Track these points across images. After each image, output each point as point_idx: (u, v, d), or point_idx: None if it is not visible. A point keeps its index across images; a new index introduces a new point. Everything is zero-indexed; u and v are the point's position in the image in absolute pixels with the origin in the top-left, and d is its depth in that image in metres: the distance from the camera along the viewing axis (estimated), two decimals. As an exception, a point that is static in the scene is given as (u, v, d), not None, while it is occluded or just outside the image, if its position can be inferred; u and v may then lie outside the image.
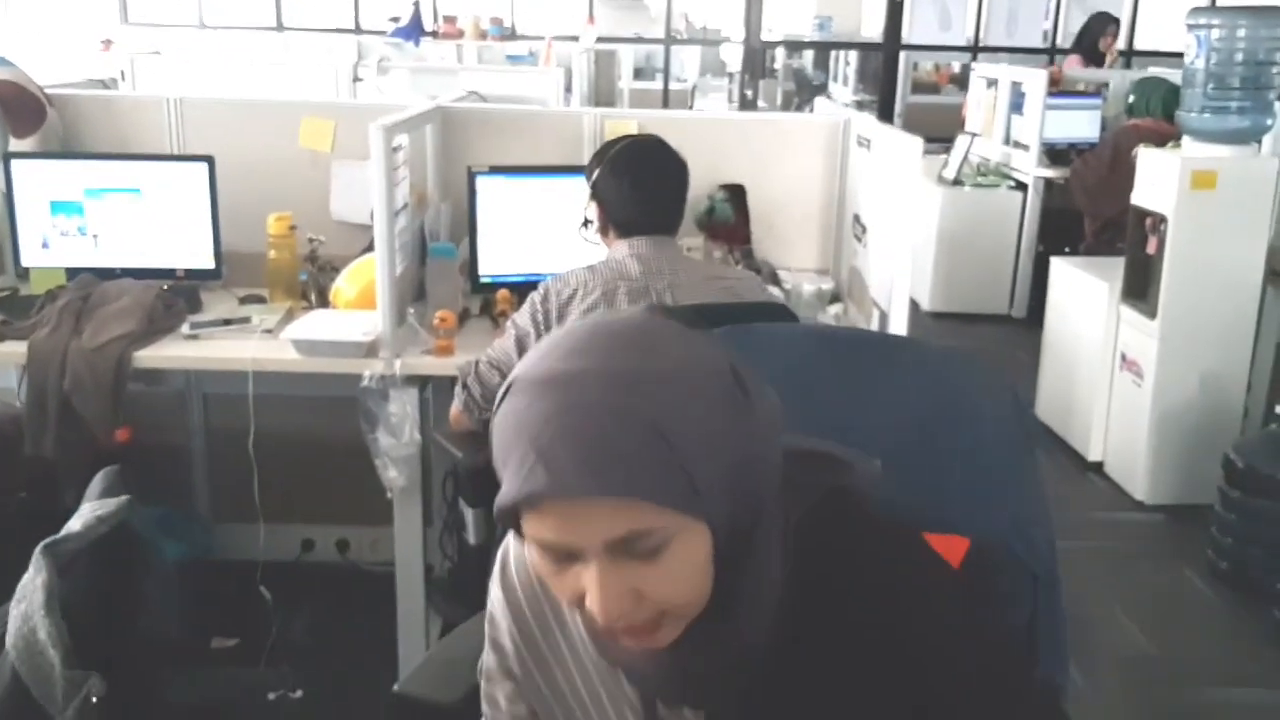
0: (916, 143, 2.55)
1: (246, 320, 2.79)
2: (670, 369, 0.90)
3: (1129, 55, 8.13)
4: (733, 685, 1.00)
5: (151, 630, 1.64)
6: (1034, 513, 1.23)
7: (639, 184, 2.31)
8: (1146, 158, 4.04)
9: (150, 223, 2.96)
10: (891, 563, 1.02)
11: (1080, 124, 6.28)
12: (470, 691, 1.31)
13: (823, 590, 0.98)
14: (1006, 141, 6.49)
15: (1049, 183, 6.12)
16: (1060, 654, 1.26)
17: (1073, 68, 6.93)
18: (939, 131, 6.33)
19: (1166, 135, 4.89)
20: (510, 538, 1.13)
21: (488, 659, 1.17)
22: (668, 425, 0.87)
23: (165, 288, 2.85)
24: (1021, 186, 6.23)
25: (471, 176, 2.90)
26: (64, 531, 1.50)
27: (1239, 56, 3.81)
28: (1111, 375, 4.22)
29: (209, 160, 2.95)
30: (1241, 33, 3.80)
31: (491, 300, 2.90)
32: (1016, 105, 6.40)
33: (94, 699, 1.37)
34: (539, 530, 0.91)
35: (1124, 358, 4.14)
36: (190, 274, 2.99)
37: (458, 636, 1.50)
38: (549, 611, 1.11)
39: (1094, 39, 7.09)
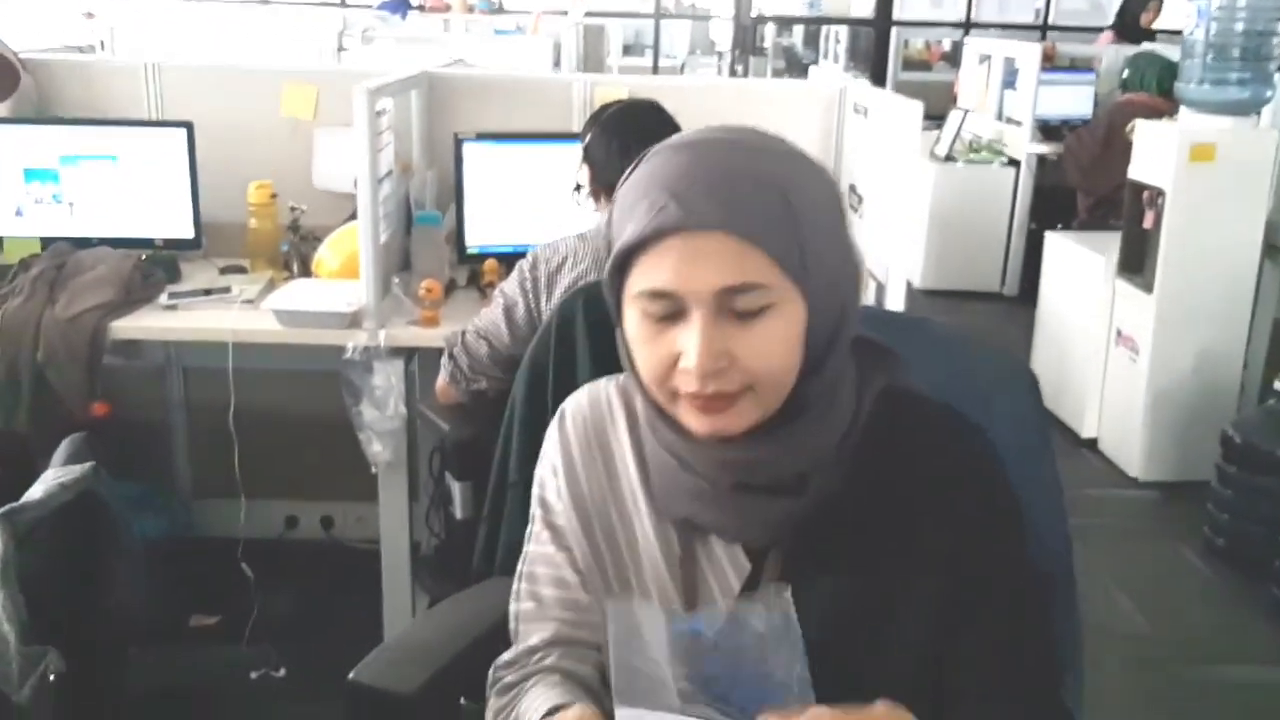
0: (916, 107, 2.49)
1: (226, 290, 2.71)
2: (797, 153, 1.01)
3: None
4: (785, 518, 1.02)
5: (118, 606, 1.57)
6: (1048, 515, 1.21)
7: (629, 148, 2.24)
8: (1145, 131, 3.98)
9: (127, 191, 2.88)
10: (960, 442, 1.06)
11: (1074, 100, 6.23)
12: (429, 681, 1.26)
13: (889, 453, 1.04)
14: (999, 118, 6.43)
15: (1042, 159, 6.06)
16: (1076, 655, 1.23)
17: (1105, 45, 6.85)
18: (931, 109, 6.20)
19: (1161, 111, 4.84)
20: (567, 403, 1.17)
21: (535, 520, 1.17)
22: (792, 195, 0.95)
23: (143, 257, 2.78)
24: (1014, 163, 6.17)
25: (458, 143, 2.82)
26: (24, 499, 1.43)
27: (1239, 26, 3.75)
28: (1106, 351, 4.17)
29: (187, 126, 2.86)
30: (1242, 1, 3.74)
31: (479, 271, 2.83)
32: (1009, 81, 6.33)
33: (52, 677, 1.31)
34: (654, 274, 0.94)
35: (1119, 333, 4.09)
36: (169, 244, 2.91)
37: (423, 622, 1.44)
38: (600, 463, 1.13)
39: (1135, 13, 6.94)
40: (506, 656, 1.13)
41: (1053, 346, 4.53)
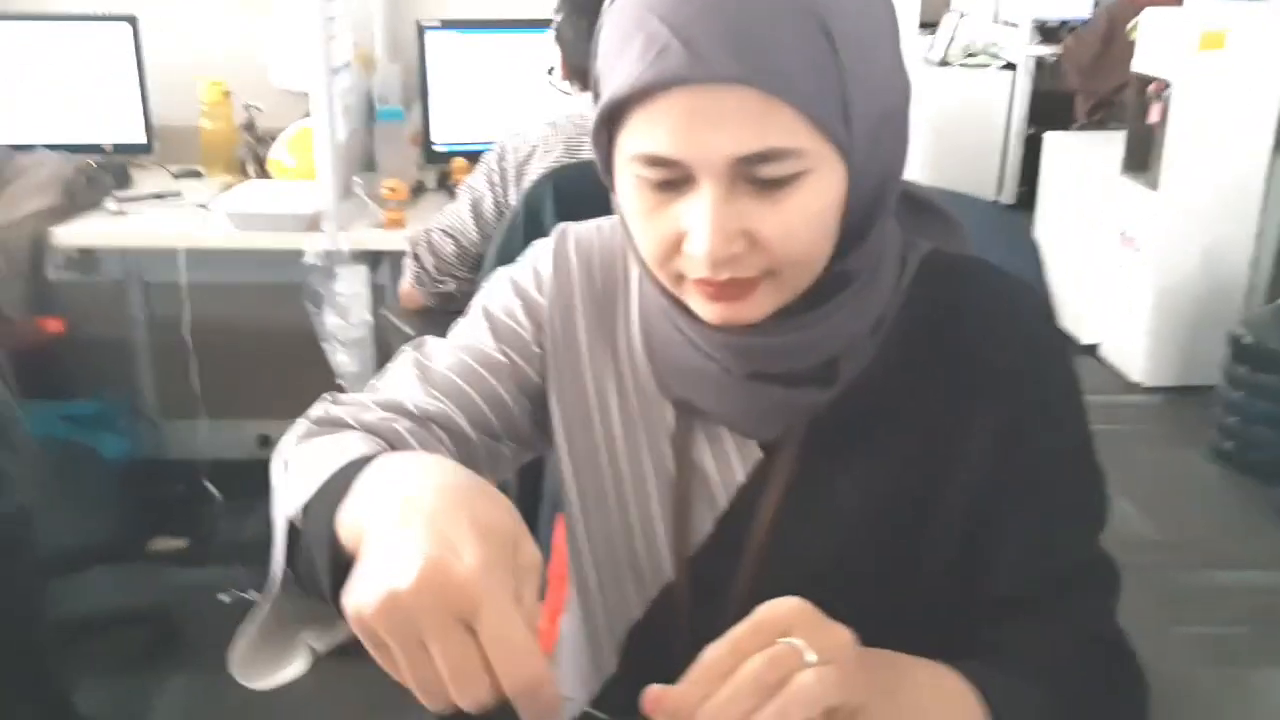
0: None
1: (178, 195, 2.55)
2: None
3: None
4: (808, 409, 0.84)
5: (13, 520, 1.43)
6: None
7: (602, 26, 2.06)
8: (1151, 19, 3.79)
9: (70, 92, 2.70)
10: (1022, 317, 0.87)
11: (1072, -1, 6.02)
12: None
13: (935, 330, 0.86)
14: (996, 20, 6.21)
15: (1040, 62, 5.87)
16: None
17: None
18: (924, 15, 6.06)
19: (1163, 6, 4.64)
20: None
21: (479, 314, 0.95)
22: (835, 24, 0.72)
23: (91, 164, 2.61)
24: (1011, 66, 5.97)
25: (421, 32, 2.63)
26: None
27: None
28: (1109, 253, 4.02)
29: (131, 20, 2.67)
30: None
31: (447, 171, 2.67)
32: (1007, -21, 6.12)
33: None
34: (651, 136, 0.74)
35: (1123, 234, 3.94)
36: (118, 149, 2.74)
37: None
38: (600, 303, 0.93)
39: None
40: (346, 397, 0.91)
41: (1053, 252, 4.37)
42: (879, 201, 0.80)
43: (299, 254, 2.36)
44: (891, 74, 0.78)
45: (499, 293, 0.95)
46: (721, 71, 0.70)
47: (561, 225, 0.97)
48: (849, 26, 0.73)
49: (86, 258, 2.99)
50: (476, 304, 0.96)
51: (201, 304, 2.57)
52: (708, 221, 0.73)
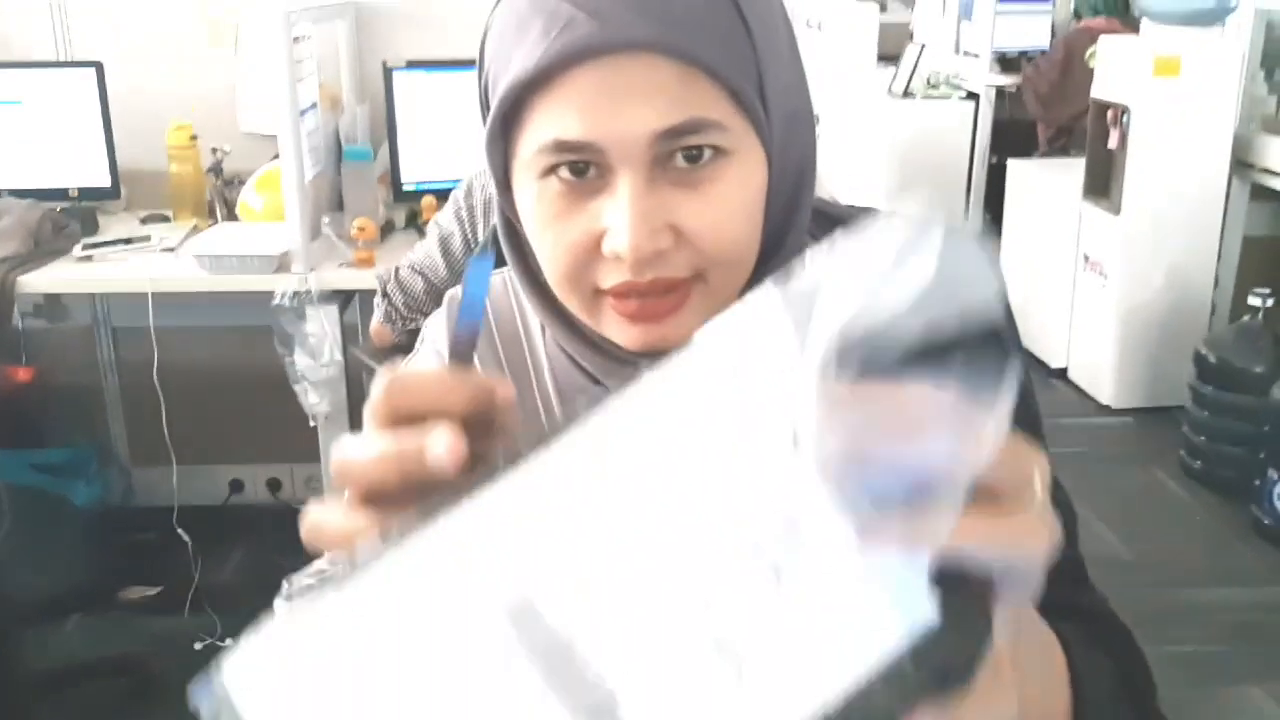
0: (872, 10, 2.34)
1: (146, 240, 2.54)
2: None
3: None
4: None
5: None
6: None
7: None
8: (1108, 47, 3.86)
9: (36, 138, 2.69)
10: None
11: (1031, 30, 6.11)
12: None
13: None
14: (956, 51, 6.30)
15: (1001, 91, 5.94)
16: None
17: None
18: (885, 48, 6.14)
19: (1120, 34, 4.73)
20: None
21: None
22: (745, 3, 0.70)
23: (58, 210, 2.60)
24: (973, 96, 6.05)
25: (388, 73, 2.65)
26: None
27: (1200, -68, 3.64)
28: (1074, 278, 4.07)
29: (97, 66, 2.67)
30: (1203, -94, 3.62)
31: (417, 209, 2.68)
32: (966, 12, 6.20)
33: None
34: (560, 119, 0.67)
35: (1087, 258, 3.99)
36: (84, 193, 2.73)
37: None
38: (521, 329, 0.85)
39: None
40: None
41: (1019, 278, 4.42)
42: (797, 202, 0.77)
43: (268, 295, 2.35)
44: (797, 70, 0.76)
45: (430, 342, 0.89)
46: (635, 37, 0.65)
47: (448, 295, 0.90)
48: (759, 9, 0.71)
49: (54, 304, 2.98)
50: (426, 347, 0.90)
51: (170, 349, 2.55)
52: (628, 213, 0.67)
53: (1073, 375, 4.14)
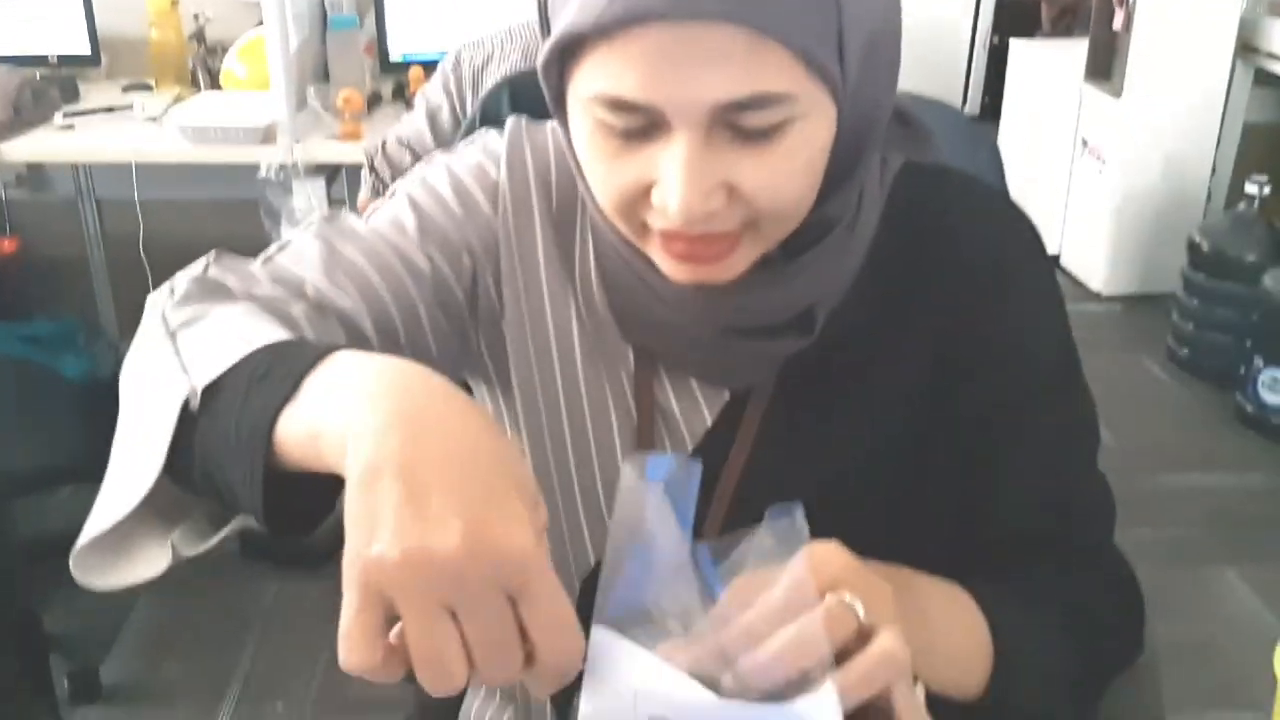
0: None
1: (128, 108, 2.49)
2: None
3: None
4: (773, 357, 0.78)
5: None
6: None
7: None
8: (1115, -78, 3.74)
9: (13, 1, 2.61)
10: (1006, 230, 0.81)
11: (1038, -97, 5.92)
12: (333, 522, 1.12)
13: (913, 249, 0.79)
14: (961, -76, 6.11)
15: (1005, -32, 5.79)
16: None
17: None
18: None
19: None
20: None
21: (400, 211, 0.80)
22: None
23: (37, 76, 2.54)
24: (977, -27, 5.89)
25: (374, -63, 2.57)
26: None
27: None
28: (1071, 163, 4.02)
29: (72, -75, 2.59)
30: None
31: (404, 81, 2.62)
32: (972, -117, 6.00)
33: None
34: (620, 77, 0.63)
35: (1085, 142, 3.94)
36: (64, 60, 2.67)
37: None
38: (559, 224, 0.82)
39: None
40: (234, 261, 0.77)
41: (1017, 162, 4.36)
42: (868, 136, 0.72)
43: (254, 169, 2.32)
44: (889, 3, 0.70)
45: (435, 183, 0.82)
46: (707, 8, 0.60)
47: (516, 121, 0.84)
48: None
49: (36, 174, 2.94)
50: (404, 188, 0.82)
51: (156, 221, 2.53)
52: (682, 173, 0.64)
53: (1065, 261, 4.12)
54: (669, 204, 0.65)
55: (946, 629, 0.71)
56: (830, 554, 0.58)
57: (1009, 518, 0.80)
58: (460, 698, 1.03)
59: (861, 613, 0.57)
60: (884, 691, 0.55)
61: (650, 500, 0.55)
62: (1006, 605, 0.74)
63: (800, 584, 0.55)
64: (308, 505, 0.58)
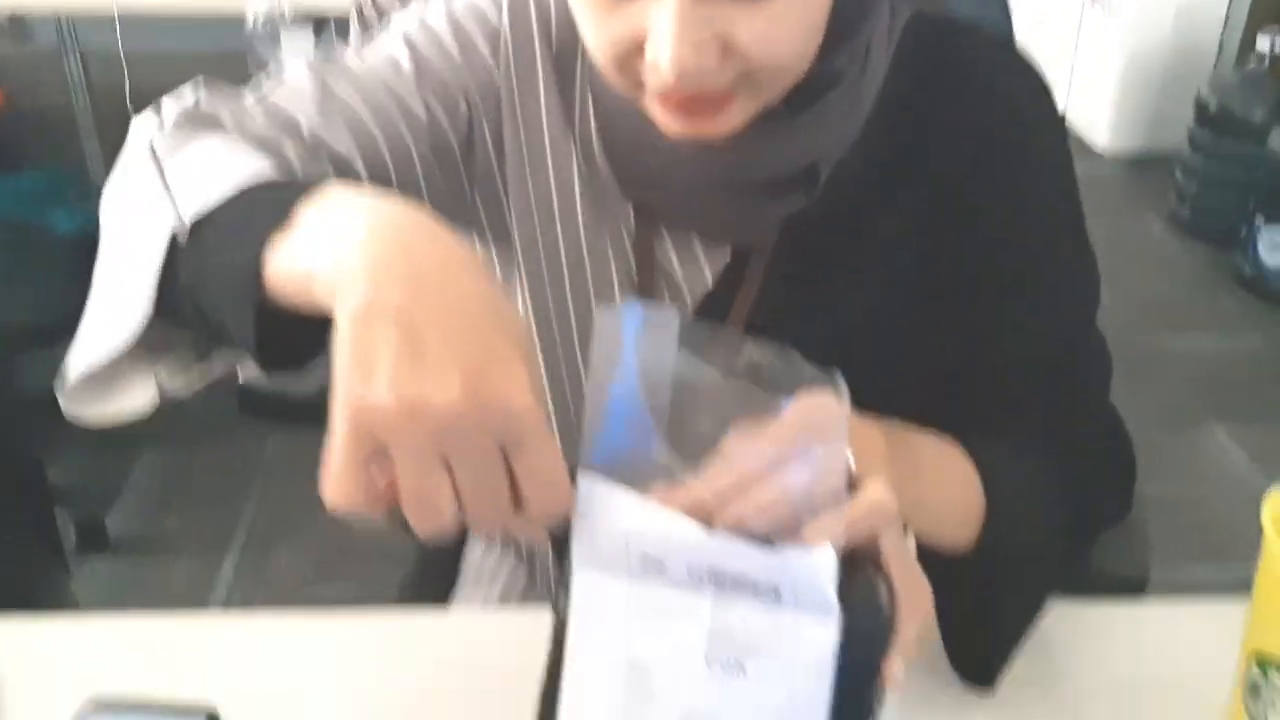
0: None
1: (109, -47, 2.40)
2: None
3: None
4: (777, 215, 0.76)
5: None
6: None
7: None
8: None
9: None
10: (1014, 83, 0.79)
11: None
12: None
13: (920, 104, 0.77)
14: None
15: None
16: None
17: None
18: None
19: None
20: None
21: (396, 52, 0.78)
22: None
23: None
24: None
25: None
26: None
27: None
28: (1080, 14, 3.92)
29: None
30: None
31: (394, -74, 2.52)
32: None
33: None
34: None
35: (1096, -7, 3.83)
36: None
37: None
38: (560, 71, 0.80)
39: None
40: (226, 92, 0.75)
41: (1023, 15, 4.26)
42: None
43: (240, 21, 2.25)
44: None
45: (433, 25, 0.79)
46: None
47: None
48: None
49: (17, 25, 2.85)
50: (402, 27, 0.80)
51: (142, 74, 2.46)
52: (673, 27, 0.62)
53: (1071, 117, 4.05)
54: (660, 60, 0.64)
55: (939, 481, 0.73)
56: (822, 404, 0.57)
57: (1008, 374, 0.80)
58: (461, 548, 1.05)
59: (852, 462, 0.57)
60: (872, 538, 0.55)
61: (627, 349, 0.55)
62: (999, 460, 0.75)
63: (791, 433, 0.55)
64: (300, 342, 0.57)
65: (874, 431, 0.61)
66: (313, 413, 1.23)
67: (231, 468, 2.50)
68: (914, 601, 0.56)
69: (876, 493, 0.56)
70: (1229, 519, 2.31)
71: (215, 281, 0.57)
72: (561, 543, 0.55)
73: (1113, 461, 0.85)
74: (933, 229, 0.77)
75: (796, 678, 0.51)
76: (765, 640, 0.51)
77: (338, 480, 0.49)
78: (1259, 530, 0.64)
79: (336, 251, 0.52)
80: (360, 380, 0.49)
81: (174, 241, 0.59)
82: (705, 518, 0.53)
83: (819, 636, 0.51)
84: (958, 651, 0.77)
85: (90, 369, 0.60)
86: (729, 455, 0.56)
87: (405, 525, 0.50)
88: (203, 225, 0.59)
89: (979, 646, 0.77)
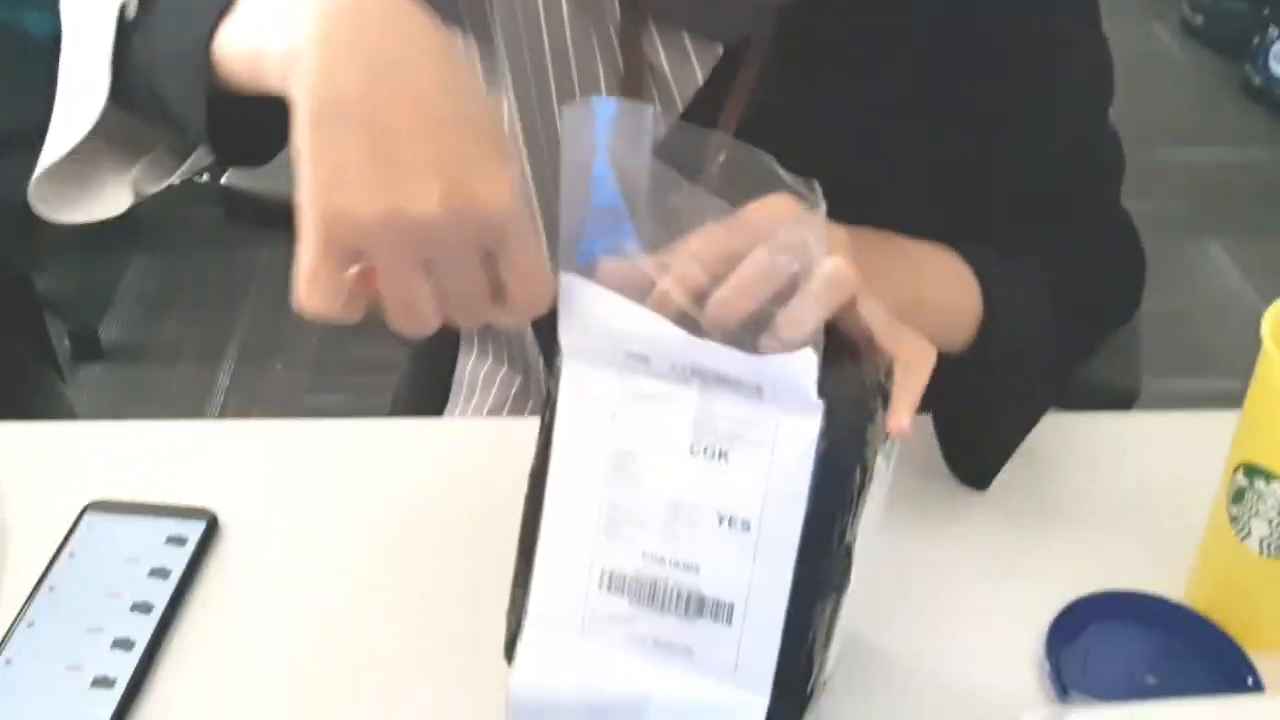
0: None
1: None
2: None
3: None
4: (771, 3, 0.71)
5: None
6: None
7: None
8: None
9: None
10: None
11: None
12: None
13: None
14: None
15: None
16: None
17: None
18: None
19: None
20: None
21: None
22: None
23: None
24: None
25: None
26: None
27: None
28: None
29: None
30: None
31: None
32: None
33: None
34: None
35: None
36: None
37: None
38: None
39: None
40: None
41: None
42: None
43: None
44: None
45: None
46: None
47: None
48: None
49: None
50: None
51: None
52: None
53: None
54: None
55: (934, 281, 0.71)
56: (785, 202, 0.55)
57: (1018, 174, 0.78)
58: (454, 356, 1.05)
59: (815, 246, 0.54)
60: (851, 314, 0.54)
61: (600, 145, 0.53)
62: (998, 261, 0.73)
63: (752, 226, 0.54)
64: (263, 131, 0.54)
65: (840, 233, 0.59)
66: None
67: (223, 279, 2.50)
68: (912, 357, 0.55)
69: (831, 265, 0.52)
70: (1219, 334, 2.32)
71: (165, 61, 0.55)
72: (550, 344, 0.55)
73: (1122, 260, 0.84)
74: (940, 23, 0.73)
75: (778, 467, 0.51)
76: (748, 430, 0.52)
77: (311, 287, 0.48)
78: (1250, 345, 0.64)
79: (289, 31, 0.48)
80: (330, 187, 0.46)
81: (128, 23, 0.56)
82: (680, 316, 0.52)
83: (801, 428, 0.51)
84: (954, 452, 0.78)
85: (56, 161, 0.58)
86: (690, 246, 0.54)
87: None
88: (153, 4, 0.55)
89: (976, 448, 0.77)
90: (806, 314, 0.52)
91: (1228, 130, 2.99)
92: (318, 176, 0.46)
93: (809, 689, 0.55)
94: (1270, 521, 0.64)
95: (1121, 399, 1.08)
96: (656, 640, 0.53)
